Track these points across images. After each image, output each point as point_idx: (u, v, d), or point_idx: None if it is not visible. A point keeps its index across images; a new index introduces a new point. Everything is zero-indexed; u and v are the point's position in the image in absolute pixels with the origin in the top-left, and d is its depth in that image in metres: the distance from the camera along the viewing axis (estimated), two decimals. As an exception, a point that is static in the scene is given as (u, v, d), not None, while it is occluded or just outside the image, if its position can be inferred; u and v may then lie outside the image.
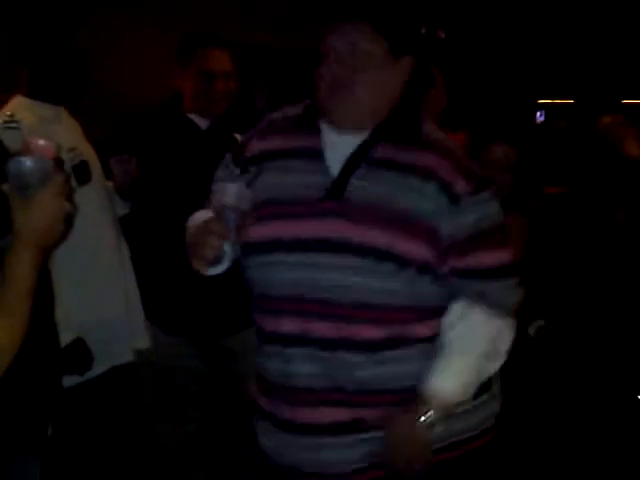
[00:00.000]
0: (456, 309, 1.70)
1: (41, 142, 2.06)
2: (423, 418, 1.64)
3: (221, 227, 1.60)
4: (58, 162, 2.03)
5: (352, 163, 1.67)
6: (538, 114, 9.13)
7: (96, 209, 2.35)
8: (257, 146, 1.77)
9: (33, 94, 2.34)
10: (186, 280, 2.68)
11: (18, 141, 2.09)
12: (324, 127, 1.72)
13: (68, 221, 1.53)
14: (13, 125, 2.23)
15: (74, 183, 2.18)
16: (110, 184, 2.57)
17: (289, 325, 1.67)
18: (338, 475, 1.71)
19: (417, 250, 1.62)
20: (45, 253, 1.51)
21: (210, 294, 2.67)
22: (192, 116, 2.81)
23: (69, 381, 2.20)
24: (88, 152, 2.42)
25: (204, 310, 2.79)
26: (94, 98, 2.54)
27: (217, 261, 1.69)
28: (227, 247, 1.68)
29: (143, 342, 2.58)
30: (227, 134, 2.74)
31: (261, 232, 1.69)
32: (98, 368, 2.37)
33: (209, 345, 2.91)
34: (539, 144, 7.39)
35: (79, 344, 2.27)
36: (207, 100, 2.76)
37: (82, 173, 2.27)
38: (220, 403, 3.09)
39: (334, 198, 1.64)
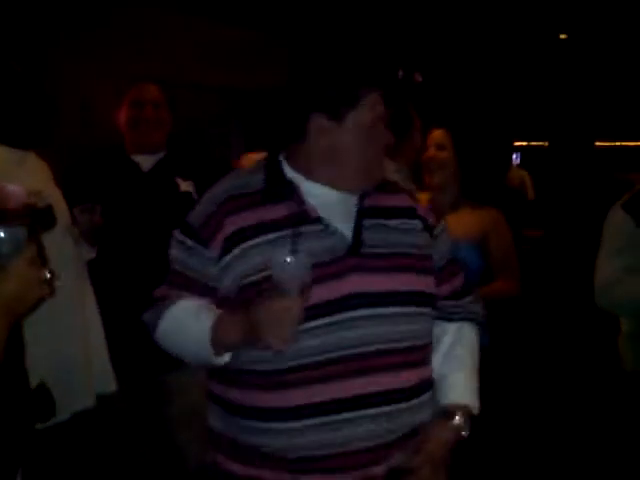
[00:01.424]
0: (450, 327, 1.86)
1: (11, 187, 2.07)
2: (455, 424, 1.75)
3: (297, 303, 1.52)
4: (27, 208, 2.04)
5: (360, 218, 1.71)
6: (514, 156, 9.25)
7: (59, 255, 2.27)
8: (232, 225, 1.69)
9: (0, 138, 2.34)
10: (126, 314, 2.62)
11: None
12: (313, 191, 1.71)
13: (47, 286, 1.53)
14: None
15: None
16: (75, 230, 2.55)
17: (339, 390, 1.64)
18: None
19: (430, 284, 1.76)
20: (15, 320, 1.51)
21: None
22: (135, 157, 2.87)
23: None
24: (55, 196, 2.41)
25: (145, 343, 2.79)
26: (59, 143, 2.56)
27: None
28: None
29: (107, 386, 2.54)
30: (169, 176, 2.85)
31: None
32: (59, 415, 2.32)
33: (147, 382, 2.87)
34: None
35: (42, 390, 2.23)
36: (138, 129, 2.84)
37: (46, 217, 2.25)
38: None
39: (353, 255, 1.66)
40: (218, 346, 1.63)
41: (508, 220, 3.09)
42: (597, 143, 9.02)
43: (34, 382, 2.16)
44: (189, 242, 1.75)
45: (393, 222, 1.75)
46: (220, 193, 1.76)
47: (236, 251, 1.67)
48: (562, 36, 7.84)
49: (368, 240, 1.70)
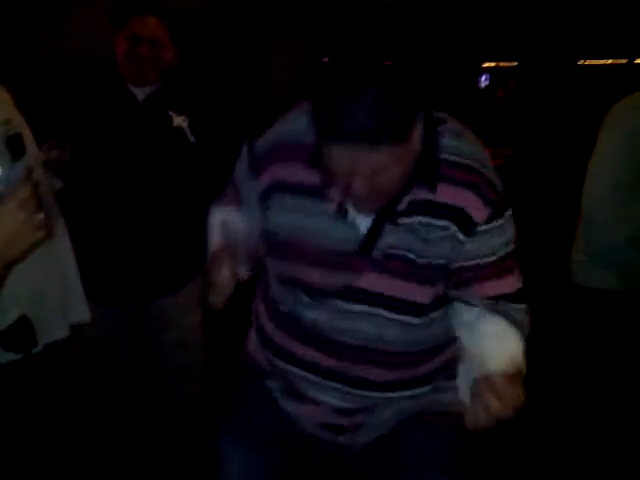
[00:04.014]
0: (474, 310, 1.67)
1: None
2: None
3: (231, 263, 1.67)
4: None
5: (380, 222, 1.64)
6: (483, 78, 9.18)
7: None
8: (274, 172, 1.70)
9: None
10: (112, 241, 2.80)
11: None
12: None
13: (41, 230, 1.47)
14: None
15: (8, 157, 2.13)
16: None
17: (303, 351, 1.77)
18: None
19: (435, 292, 1.68)
20: (7, 267, 1.46)
21: (137, 254, 2.82)
22: (131, 87, 2.84)
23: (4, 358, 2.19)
24: (22, 125, 2.35)
25: (131, 271, 2.85)
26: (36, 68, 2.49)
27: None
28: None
29: (80, 316, 2.53)
30: (162, 108, 2.84)
31: (286, 271, 1.74)
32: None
33: (139, 312, 2.95)
34: (484, 108, 7.44)
35: (24, 322, 2.22)
36: (132, 64, 2.79)
37: (16, 146, 2.20)
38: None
39: (362, 254, 1.64)
40: None
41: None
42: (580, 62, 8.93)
43: (14, 315, 2.18)
44: (244, 157, 1.82)
45: (416, 224, 1.61)
46: (290, 133, 1.70)
47: (271, 201, 1.71)
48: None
49: (381, 241, 1.64)
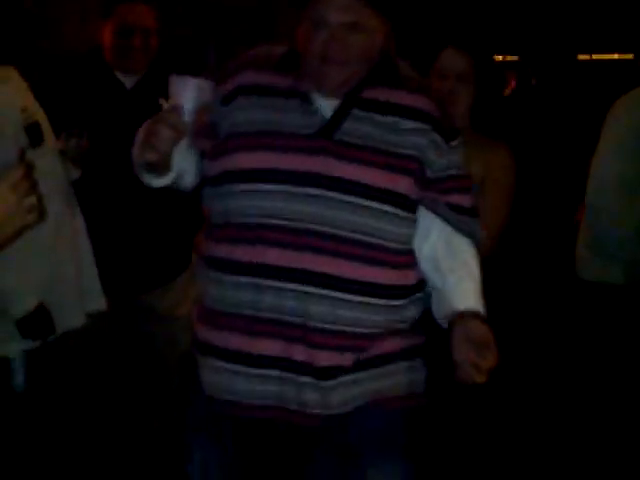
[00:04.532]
0: (442, 226, 1.79)
1: None
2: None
3: (176, 118, 1.61)
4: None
5: (344, 107, 1.72)
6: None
7: (47, 172, 2.24)
8: (241, 78, 1.77)
9: None
10: (100, 232, 2.68)
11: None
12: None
13: (33, 214, 1.46)
14: None
15: (26, 145, 2.15)
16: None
17: (272, 257, 1.68)
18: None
19: (402, 186, 1.72)
20: None
21: (126, 245, 2.78)
22: (117, 74, 2.80)
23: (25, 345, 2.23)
24: (40, 114, 2.37)
25: (120, 263, 2.81)
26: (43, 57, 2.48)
27: (163, 170, 1.71)
28: (179, 158, 1.70)
29: (97, 304, 2.56)
30: (152, 96, 2.77)
31: (248, 161, 1.72)
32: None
33: (130, 305, 2.91)
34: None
35: (41, 309, 2.24)
36: (124, 55, 2.75)
37: (35, 134, 2.22)
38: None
39: (325, 137, 1.70)
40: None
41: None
42: (580, 56, 8.90)
43: (32, 302, 2.21)
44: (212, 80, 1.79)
45: (386, 117, 1.73)
46: (258, 51, 1.85)
47: (237, 103, 1.74)
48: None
49: (347, 128, 1.71)
